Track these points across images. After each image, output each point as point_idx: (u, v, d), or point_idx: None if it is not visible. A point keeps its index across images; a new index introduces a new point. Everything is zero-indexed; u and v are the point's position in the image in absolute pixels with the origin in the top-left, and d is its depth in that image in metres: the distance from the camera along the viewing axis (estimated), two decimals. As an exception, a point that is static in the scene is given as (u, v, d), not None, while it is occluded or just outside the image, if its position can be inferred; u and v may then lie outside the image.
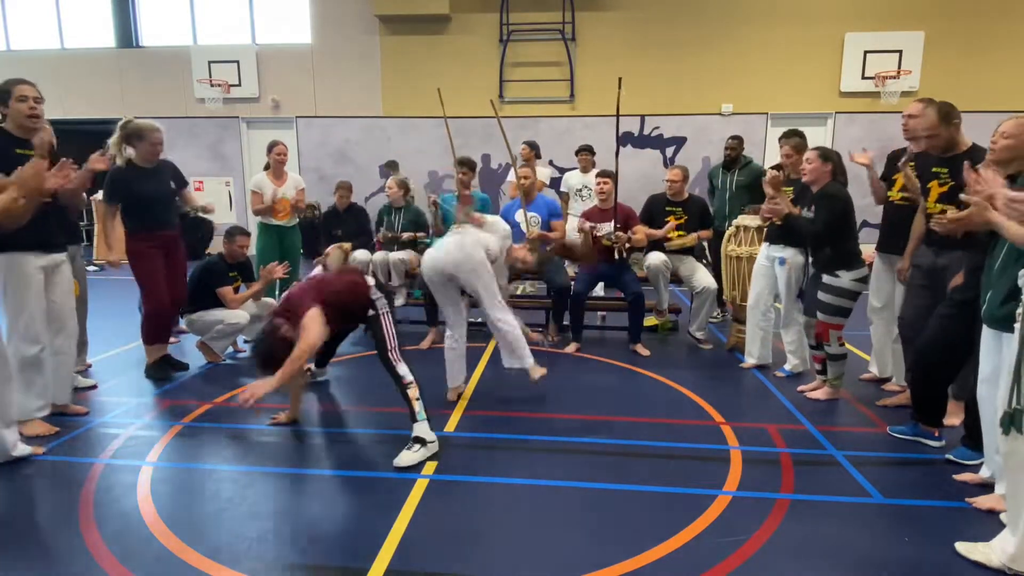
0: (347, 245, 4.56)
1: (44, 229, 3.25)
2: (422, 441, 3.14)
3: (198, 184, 11.09)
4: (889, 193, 3.96)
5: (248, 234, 4.98)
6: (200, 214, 5.09)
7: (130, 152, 4.17)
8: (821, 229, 3.81)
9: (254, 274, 5.18)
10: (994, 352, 2.56)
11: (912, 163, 3.73)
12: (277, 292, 5.66)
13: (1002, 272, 2.47)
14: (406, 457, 3.08)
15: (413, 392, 3.20)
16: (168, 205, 4.29)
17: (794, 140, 4.51)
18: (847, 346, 4.04)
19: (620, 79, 5.26)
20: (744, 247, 4.85)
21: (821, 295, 3.89)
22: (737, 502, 2.78)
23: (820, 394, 4.08)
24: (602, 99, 9.73)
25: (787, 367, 4.55)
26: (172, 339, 4.94)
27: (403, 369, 3.25)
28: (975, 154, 3.28)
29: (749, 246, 4.83)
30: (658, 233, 5.32)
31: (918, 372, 3.32)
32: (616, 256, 5.12)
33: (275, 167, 5.67)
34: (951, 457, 3.15)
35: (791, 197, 4.16)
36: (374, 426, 3.72)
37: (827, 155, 3.89)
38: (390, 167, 9.12)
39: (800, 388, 4.22)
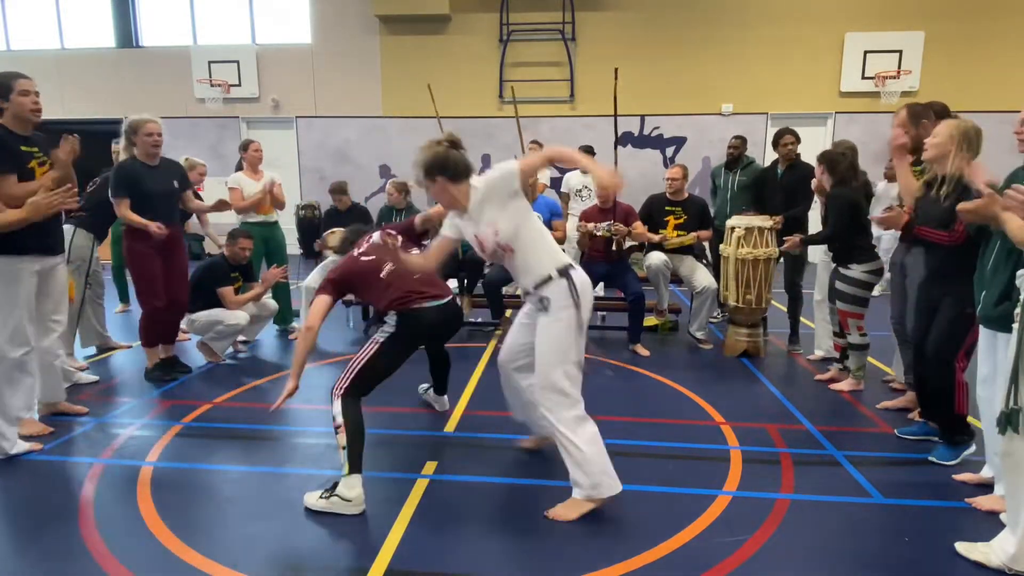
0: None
1: (42, 234, 3.26)
2: (340, 496, 2.64)
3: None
4: None
5: (251, 236, 4.97)
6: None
7: (135, 150, 4.18)
8: (831, 233, 4.11)
9: (255, 275, 5.19)
10: (990, 352, 2.57)
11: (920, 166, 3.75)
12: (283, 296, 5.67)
13: (995, 272, 2.47)
14: (310, 499, 2.71)
15: (340, 439, 2.69)
16: (169, 204, 4.27)
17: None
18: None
19: (616, 69, 5.24)
20: (744, 247, 4.84)
21: (838, 284, 4.08)
22: (737, 502, 2.78)
23: (844, 386, 4.21)
24: (602, 99, 9.71)
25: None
26: (183, 333, 4.99)
27: (336, 408, 2.75)
28: None
29: (748, 246, 4.82)
30: (655, 237, 5.32)
31: (917, 370, 3.33)
32: (614, 248, 5.11)
33: (252, 163, 5.67)
34: (932, 459, 3.14)
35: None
36: (374, 426, 3.71)
37: (833, 166, 4.14)
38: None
39: (818, 377, 4.38)
